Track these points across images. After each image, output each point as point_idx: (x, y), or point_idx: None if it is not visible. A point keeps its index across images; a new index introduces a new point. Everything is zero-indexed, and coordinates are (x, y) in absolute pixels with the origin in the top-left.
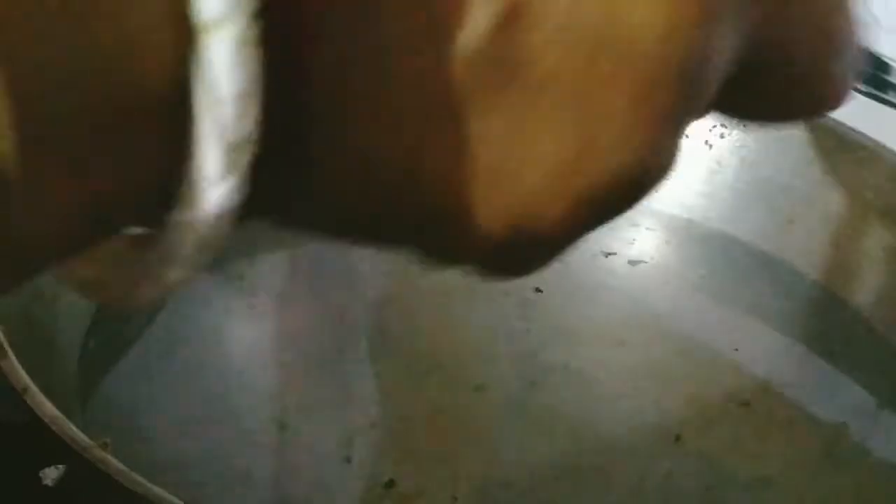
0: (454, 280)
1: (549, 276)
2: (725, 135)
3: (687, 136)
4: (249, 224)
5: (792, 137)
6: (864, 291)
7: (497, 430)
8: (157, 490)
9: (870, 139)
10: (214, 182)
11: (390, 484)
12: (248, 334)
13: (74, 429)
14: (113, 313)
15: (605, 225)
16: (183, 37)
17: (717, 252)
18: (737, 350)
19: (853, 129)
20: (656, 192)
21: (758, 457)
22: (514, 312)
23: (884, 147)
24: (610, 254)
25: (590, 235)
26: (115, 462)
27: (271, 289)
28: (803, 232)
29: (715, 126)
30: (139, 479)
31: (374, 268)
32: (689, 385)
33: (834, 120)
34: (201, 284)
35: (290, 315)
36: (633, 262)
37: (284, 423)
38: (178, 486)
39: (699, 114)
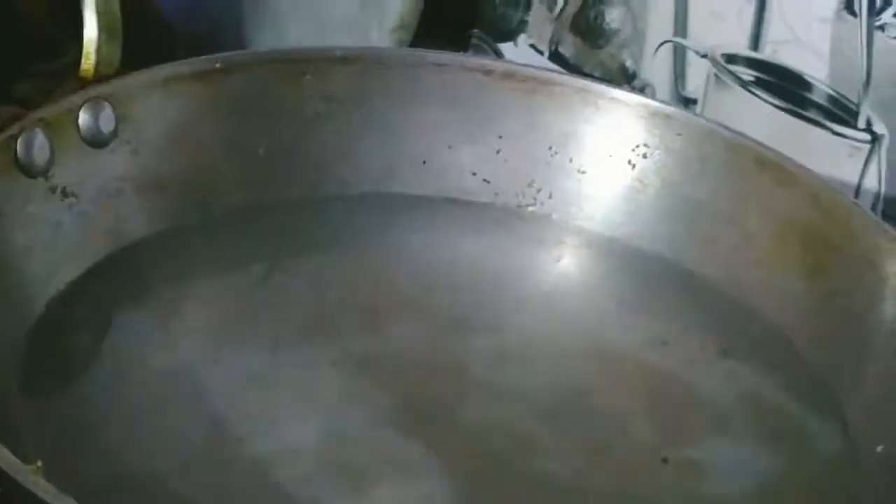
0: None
1: (473, 294)
2: (647, 154)
3: (610, 156)
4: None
5: (712, 159)
6: (784, 309)
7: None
8: None
9: (787, 158)
10: None
11: None
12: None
13: (7, 452)
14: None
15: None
16: None
17: (639, 269)
18: (661, 362)
19: (770, 149)
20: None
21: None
22: (443, 329)
23: (800, 166)
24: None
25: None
26: (47, 485)
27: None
28: (725, 250)
29: (637, 146)
30: (72, 501)
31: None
32: (614, 394)
33: (753, 140)
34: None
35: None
36: (557, 278)
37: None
38: None
39: None
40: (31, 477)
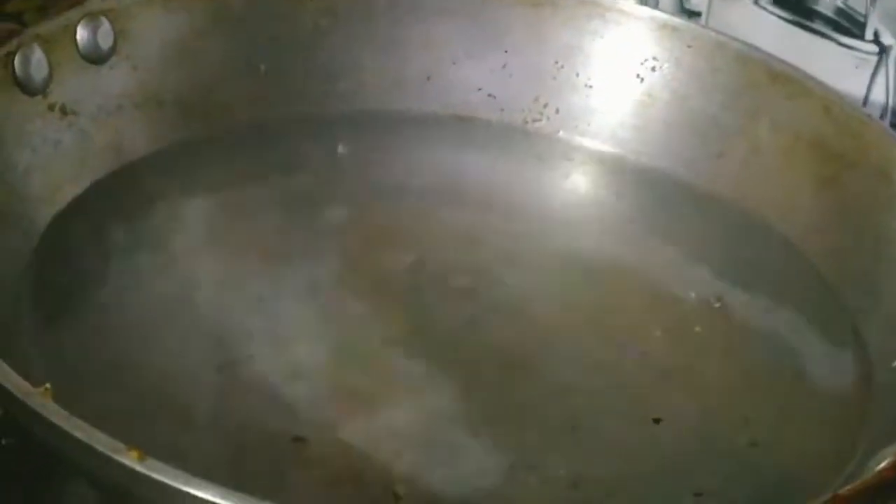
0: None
1: (480, 215)
2: (657, 68)
3: (618, 70)
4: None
5: (722, 70)
6: (796, 222)
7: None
8: (101, 435)
9: (799, 71)
10: None
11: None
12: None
13: (15, 375)
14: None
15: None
16: None
17: (648, 186)
18: (669, 279)
19: (782, 61)
20: (588, 126)
21: (692, 383)
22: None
23: (812, 78)
24: (543, 189)
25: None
26: (57, 408)
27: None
28: (734, 164)
29: (646, 59)
30: (82, 424)
31: None
32: (626, 318)
33: (763, 52)
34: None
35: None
36: (566, 198)
37: (222, 363)
38: (120, 429)
39: None
40: (40, 400)
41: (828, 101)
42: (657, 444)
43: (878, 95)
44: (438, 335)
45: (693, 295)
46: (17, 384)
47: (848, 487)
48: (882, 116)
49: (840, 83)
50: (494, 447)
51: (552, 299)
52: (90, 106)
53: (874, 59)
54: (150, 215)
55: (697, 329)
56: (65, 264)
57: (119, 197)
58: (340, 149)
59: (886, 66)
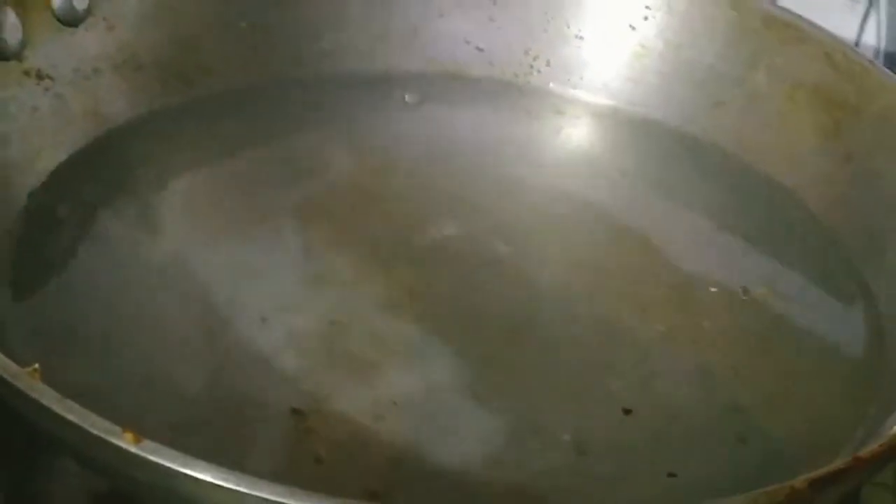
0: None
1: (472, 173)
2: (649, 17)
3: (609, 20)
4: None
5: (717, 17)
6: (798, 172)
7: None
8: (94, 417)
9: (796, 16)
10: None
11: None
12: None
13: (1, 356)
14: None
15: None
16: None
17: (644, 138)
18: (669, 234)
19: (779, 7)
20: (580, 79)
21: (695, 342)
22: (444, 209)
23: (811, 24)
24: (535, 145)
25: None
26: (47, 389)
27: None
28: (732, 114)
29: (638, 8)
30: (74, 406)
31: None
32: (624, 275)
33: None
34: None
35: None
36: (559, 153)
37: (212, 335)
38: (109, 408)
39: None
40: (28, 381)
41: (828, 47)
42: (660, 404)
43: (869, 38)
44: (434, 299)
45: (694, 251)
46: (4, 365)
47: (869, 449)
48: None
49: (831, 27)
50: (496, 412)
51: (548, 259)
52: (66, 70)
53: (865, 1)
54: (133, 185)
55: (699, 286)
56: (46, 236)
57: (100, 166)
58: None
59: (878, 8)
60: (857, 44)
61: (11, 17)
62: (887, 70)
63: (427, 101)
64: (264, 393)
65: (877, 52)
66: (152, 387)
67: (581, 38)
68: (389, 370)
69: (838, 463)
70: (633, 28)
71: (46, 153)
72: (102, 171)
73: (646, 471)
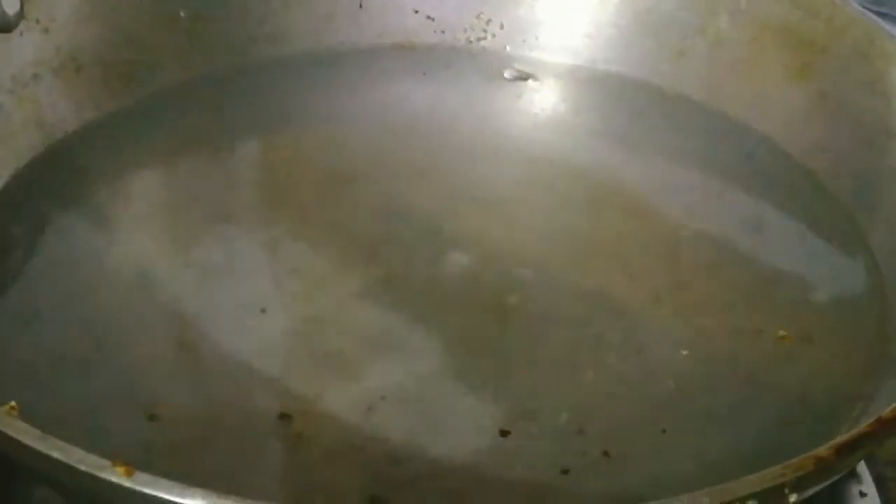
0: None
1: (436, 147)
2: None
3: None
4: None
5: None
6: (772, 117)
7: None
8: (81, 453)
9: None
10: None
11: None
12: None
13: None
14: None
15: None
16: None
17: (608, 95)
18: (647, 192)
19: None
20: (536, 39)
21: (687, 306)
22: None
23: None
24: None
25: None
26: (28, 427)
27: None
28: (697, 62)
29: None
30: (60, 443)
31: None
32: (606, 241)
33: None
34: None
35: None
36: (522, 118)
37: (185, 343)
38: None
39: None
40: (7, 420)
41: None
42: (658, 374)
43: None
44: (410, 283)
45: (675, 208)
46: None
47: (891, 409)
48: None
49: None
50: (489, 398)
51: (524, 230)
52: (4, 78)
53: None
54: (86, 196)
55: (684, 245)
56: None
57: (51, 178)
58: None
59: None
60: None
61: None
62: (855, 5)
63: (380, 75)
64: (248, 401)
65: None
66: (131, 407)
67: None
68: (374, 364)
69: (861, 428)
70: None
71: None
72: (53, 183)
73: (650, 445)
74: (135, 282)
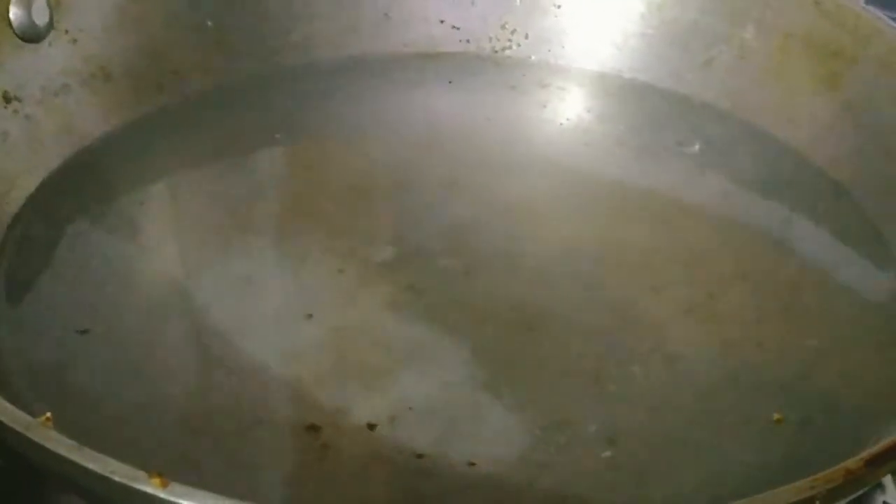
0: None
1: (461, 156)
2: None
3: None
4: None
5: None
6: (797, 126)
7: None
8: (117, 464)
9: None
10: None
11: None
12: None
13: (12, 408)
14: None
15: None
16: None
17: (634, 104)
18: (674, 202)
19: None
20: (562, 48)
21: (715, 317)
22: (438, 198)
23: None
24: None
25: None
26: (63, 439)
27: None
28: (722, 71)
29: None
30: (95, 454)
31: None
32: (632, 250)
33: None
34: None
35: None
36: (548, 127)
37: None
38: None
39: None
40: (43, 432)
41: None
42: (686, 384)
43: None
44: (436, 294)
45: (701, 218)
46: (14, 416)
47: None
48: None
49: None
50: (517, 409)
51: (549, 240)
52: (34, 89)
53: None
54: (114, 203)
55: (711, 255)
56: (29, 265)
57: (79, 185)
58: (302, 107)
59: None
60: None
61: None
62: (881, 14)
63: (405, 85)
64: (277, 412)
65: None
66: (161, 417)
67: (558, 6)
68: (402, 375)
69: (891, 440)
70: None
71: (22, 179)
72: (81, 190)
73: (680, 458)
74: (162, 291)
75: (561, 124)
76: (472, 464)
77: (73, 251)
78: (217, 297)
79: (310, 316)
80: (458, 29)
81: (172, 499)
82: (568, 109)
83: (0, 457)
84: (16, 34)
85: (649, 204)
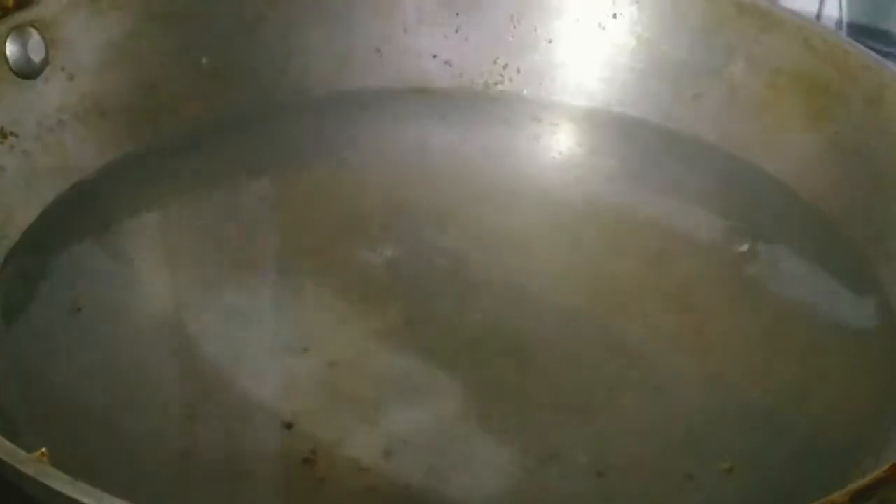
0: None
1: (454, 190)
2: (618, 14)
3: (578, 21)
4: None
5: (687, 9)
6: (786, 161)
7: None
8: (113, 500)
9: (769, 2)
10: None
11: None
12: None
13: (7, 443)
14: None
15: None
16: None
17: (624, 138)
18: (662, 235)
19: None
20: (553, 83)
21: (702, 348)
22: (430, 231)
23: (784, 9)
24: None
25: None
26: (58, 473)
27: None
28: (712, 106)
29: (606, 6)
30: (94, 490)
31: None
32: (622, 282)
33: None
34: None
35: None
36: (540, 161)
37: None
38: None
39: None
40: (39, 467)
41: (805, 32)
42: (675, 415)
43: (831, 10)
44: (429, 325)
45: (690, 251)
46: (9, 451)
47: None
48: None
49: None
50: (509, 440)
51: (541, 273)
52: (30, 124)
53: None
54: (109, 238)
55: (699, 287)
56: (26, 300)
57: (75, 219)
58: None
59: None
60: (818, 16)
61: None
62: (868, 50)
63: (398, 120)
64: (271, 445)
65: (839, 23)
66: (155, 450)
67: (550, 41)
68: (395, 407)
69: (877, 473)
70: (603, 27)
71: (18, 213)
72: (77, 223)
73: (670, 487)
74: (157, 324)
75: (553, 158)
76: (464, 496)
77: (68, 284)
78: (211, 330)
79: (305, 349)
80: (450, 65)
81: None
82: (560, 143)
83: None
84: (12, 71)
85: (638, 236)
